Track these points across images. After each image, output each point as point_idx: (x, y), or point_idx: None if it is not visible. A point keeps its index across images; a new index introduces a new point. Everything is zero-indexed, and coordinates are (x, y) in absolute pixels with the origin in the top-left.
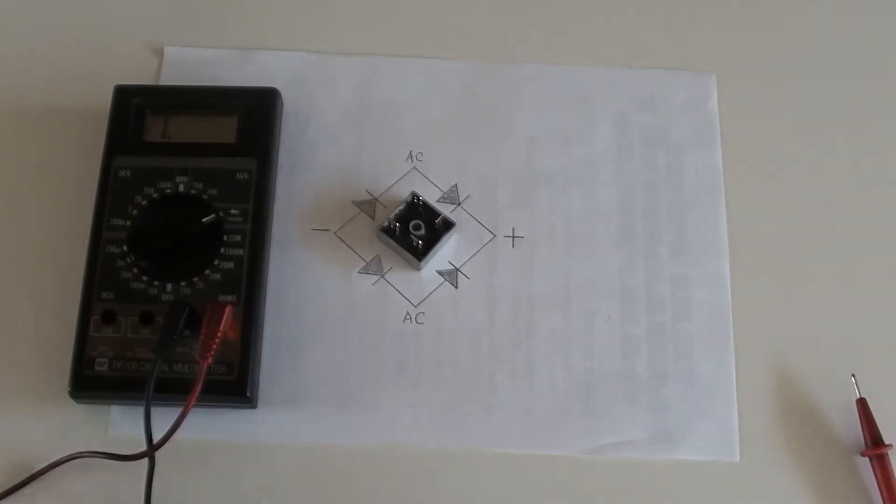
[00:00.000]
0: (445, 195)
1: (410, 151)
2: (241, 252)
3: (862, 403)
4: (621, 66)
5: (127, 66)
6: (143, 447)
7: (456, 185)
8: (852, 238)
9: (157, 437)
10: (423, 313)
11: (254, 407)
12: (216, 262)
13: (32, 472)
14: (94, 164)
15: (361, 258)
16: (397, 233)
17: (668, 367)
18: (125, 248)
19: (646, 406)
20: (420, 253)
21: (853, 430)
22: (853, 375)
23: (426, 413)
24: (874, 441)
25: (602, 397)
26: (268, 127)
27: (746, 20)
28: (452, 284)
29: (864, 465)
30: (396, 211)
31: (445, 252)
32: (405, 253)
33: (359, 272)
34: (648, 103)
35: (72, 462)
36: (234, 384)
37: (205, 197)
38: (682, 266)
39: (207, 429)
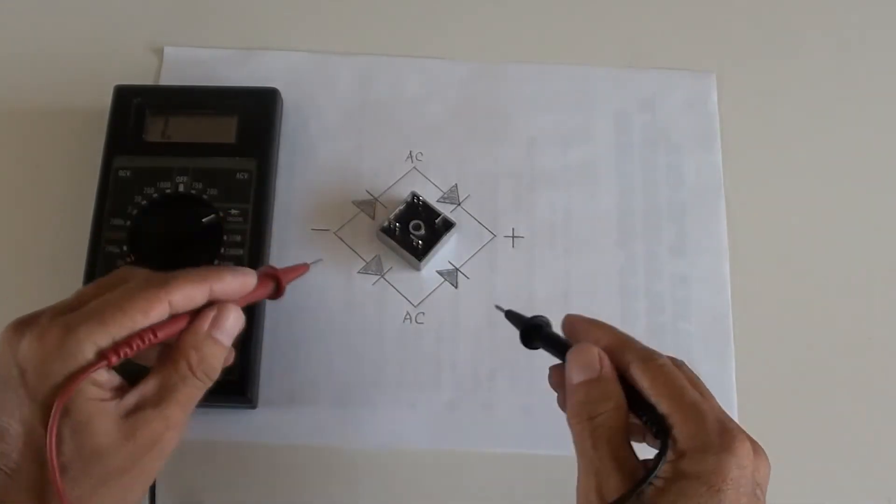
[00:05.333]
0: (445, 195)
1: (410, 151)
2: (241, 252)
3: None
4: (621, 66)
5: (127, 66)
6: None
7: (456, 185)
8: (852, 237)
9: None
10: (423, 313)
11: (253, 407)
12: (216, 262)
13: None
14: (94, 164)
15: (361, 258)
16: (397, 233)
17: None
18: (125, 248)
19: None
20: (420, 253)
21: (856, 426)
22: None
23: (426, 413)
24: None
25: None
26: (268, 127)
27: (746, 20)
28: (452, 284)
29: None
30: (396, 211)
31: (445, 252)
32: (405, 253)
33: (359, 272)
34: (648, 103)
35: None
36: (234, 384)
37: (205, 197)
38: (682, 266)
39: (207, 429)
